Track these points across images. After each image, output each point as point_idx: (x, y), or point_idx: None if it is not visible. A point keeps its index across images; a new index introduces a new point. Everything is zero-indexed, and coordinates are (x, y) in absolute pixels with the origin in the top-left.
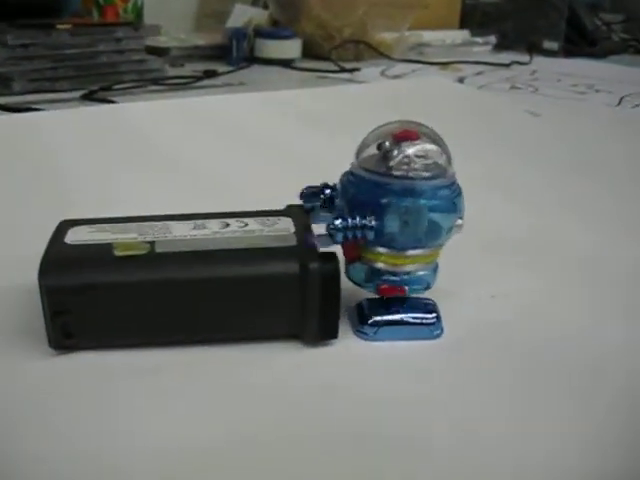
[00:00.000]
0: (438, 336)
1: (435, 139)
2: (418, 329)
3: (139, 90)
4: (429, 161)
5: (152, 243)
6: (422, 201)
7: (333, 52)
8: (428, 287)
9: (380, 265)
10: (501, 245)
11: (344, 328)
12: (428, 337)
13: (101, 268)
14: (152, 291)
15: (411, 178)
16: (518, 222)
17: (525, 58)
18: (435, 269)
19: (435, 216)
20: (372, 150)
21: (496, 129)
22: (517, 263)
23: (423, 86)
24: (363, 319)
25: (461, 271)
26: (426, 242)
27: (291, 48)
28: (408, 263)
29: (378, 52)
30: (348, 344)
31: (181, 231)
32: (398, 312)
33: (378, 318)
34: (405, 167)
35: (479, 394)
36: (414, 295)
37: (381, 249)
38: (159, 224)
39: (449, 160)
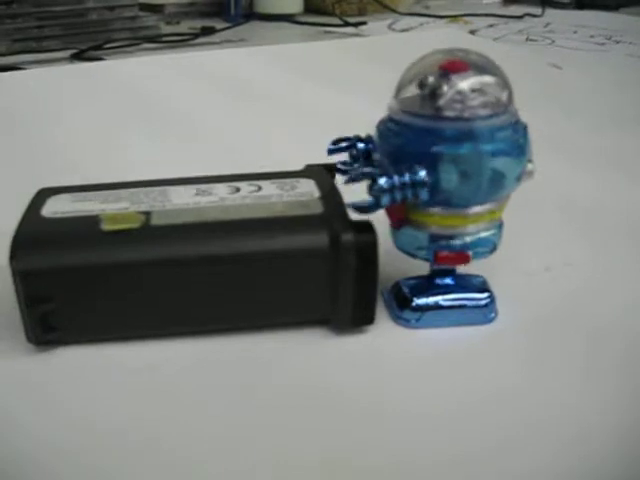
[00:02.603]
0: (492, 320)
1: (491, 69)
2: (469, 312)
3: (132, 49)
4: (487, 97)
5: (147, 214)
6: (483, 146)
7: (336, 6)
8: (494, 249)
9: (435, 228)
10: (547, 207)
11: (379, 313)
12: (481, 322)
13: (85, 246)
14: (147, 273)
15: (467, 119)
16: (563, 181)
17: (536, 10)
18: (500, 226)
19: (499, 163)
20: (413, 89)
21: (521, 82)
22: (568, 227)
23: (437, 38)
24: (403, 303)
25: (506, 239)
26: (490, 195)
27: (292, 2)
28: (470, 223)
29: (382, 5)
30: (386, 331)
31: (182, 198)
32: (444, 292)
33: (421, 302)
34: (459, 105)
35: (546, 387)
36: (460, 272)
37: (435, 209)
38: (155, 190)
39: (511, 94)
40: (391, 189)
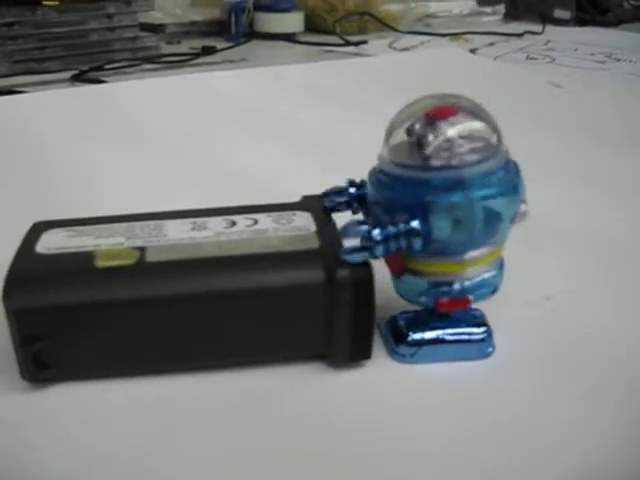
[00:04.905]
0: (489, 354)
1: (478, 113)
2: (466, 347)
3: (133, 69)
4: (476, 142)
5: (142, 249)
6: (474, 192)
7: (336, 25)
8: (495, 290)
9: (434, 275)
10: (547, 233)
11: (376, 347)
12: (478, 356)
13: (79, 284)
14: (141, 311)
15: (455, 167)
16: (561, 206)
17: (537, 28)
18: (501, 266)
19: (494, 205)
20: (402, 135)
21: (520, 102)
22: (568, 254)
23: (437, 58)
24: (399, 337)
25: (506, 268)
26: (485, 239)
27: (293, 21)
28: (468, 267)
29: (383, 24)
30: (383, 366)
31: (177, 233)
32: (440, 327)
33: (417, 336)
34: (446, 154)
35: (545, 423)
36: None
37: (432, 257)
38: (151, 224)
39: (499, 137)
40: (385, 240)
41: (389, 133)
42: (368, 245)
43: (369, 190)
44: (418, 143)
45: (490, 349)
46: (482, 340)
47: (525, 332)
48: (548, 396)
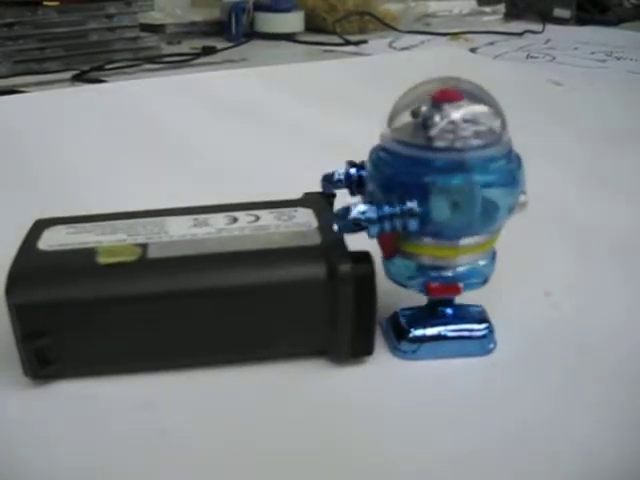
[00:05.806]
0: (491, 351)
1: (484, 98)
2: (467, 344)
3: (133, 69)
4: (480, 126)
5: (144, 246)
6: (475, 177)
7: (337, 25)
8: (486, 281)
9: (426, 259)
10: (548, 228)
11: (378, 343)
12: (480, 353)
13: (81, 280)
14: (143, 307)
15: (459, 149)
16: (564, 202)
17: (537, 27)
18: (493, 257)
19: (492, 194)
20: (406, 117)
21: (521, 100)
22: (567, 249)
23: (438, 57)
24: (400, 334)
25: (504, 262)
26: (482, 227)
27: (293, 21)
28: (460, 254)
29: (383, 24)
30: (385, 363)
31: (179, 230)
32: (442, 323)
33: (418, 333)
34: (450, 136)
35: (546, 425)
36: (458, 301)
37: (426, 239)
38: (152, 221)
39: (504, 123)
40: (380, 219)
41: (394, 114)
42: (363, 224)
43: (368, 169)
44: (423, 124)
45: (491, 345)
46: (483, 337)
47: (526, 328)
48: (550, 393)
